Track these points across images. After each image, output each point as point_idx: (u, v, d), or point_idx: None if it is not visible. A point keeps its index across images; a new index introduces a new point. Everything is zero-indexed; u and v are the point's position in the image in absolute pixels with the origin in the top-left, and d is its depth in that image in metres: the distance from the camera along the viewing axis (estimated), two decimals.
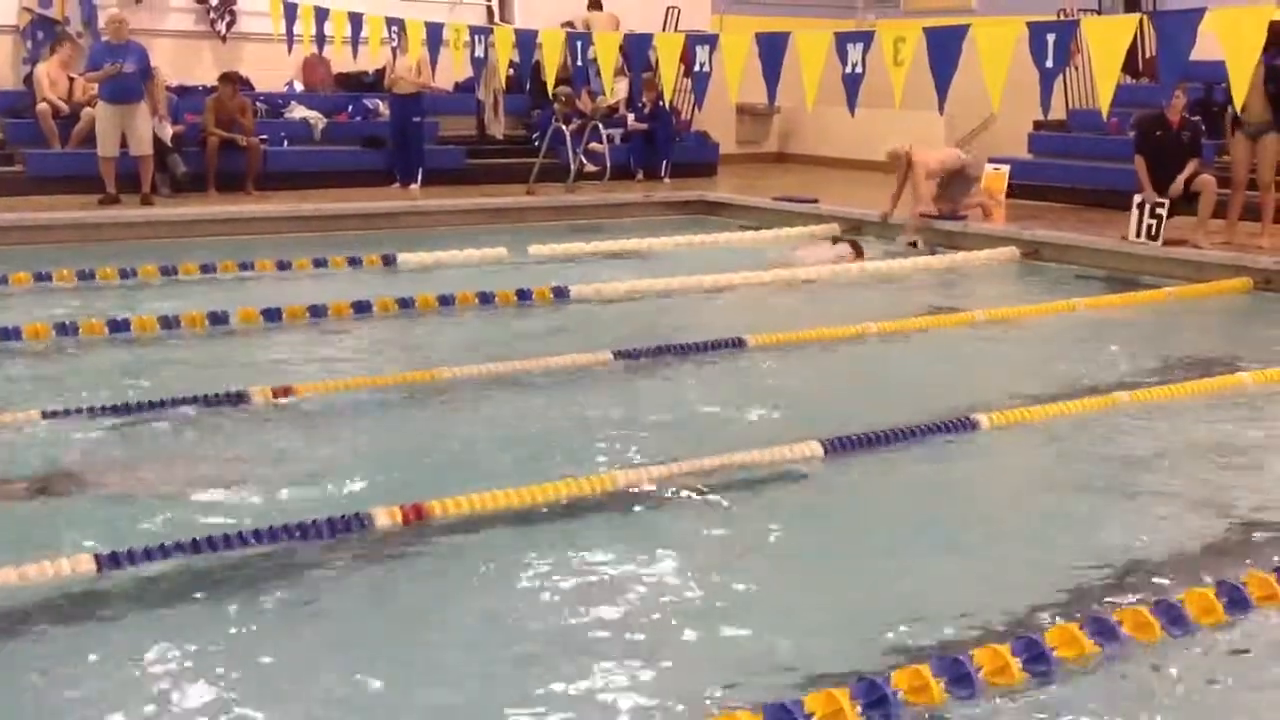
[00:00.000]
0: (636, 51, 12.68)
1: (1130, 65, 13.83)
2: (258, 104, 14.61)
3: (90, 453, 5.72)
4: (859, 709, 3.48)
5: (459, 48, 13.21)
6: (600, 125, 15.55)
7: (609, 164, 15.60)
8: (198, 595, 4.30)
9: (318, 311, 8.50)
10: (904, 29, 9.83)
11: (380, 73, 15.02)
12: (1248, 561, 4.69)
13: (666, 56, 11.68)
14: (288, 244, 11.34)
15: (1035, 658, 3.79)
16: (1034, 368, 7.89)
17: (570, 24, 15.96)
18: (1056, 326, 8.90)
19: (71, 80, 13.64)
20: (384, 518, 4.83)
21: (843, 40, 9.99)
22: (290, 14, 14.22)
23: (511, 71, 13.75)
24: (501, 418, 6.44)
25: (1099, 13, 14.67)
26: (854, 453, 5.85)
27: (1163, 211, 10.82)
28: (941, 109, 9.57)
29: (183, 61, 15.07)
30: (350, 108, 15.62)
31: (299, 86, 15.83)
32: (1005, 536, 5.13)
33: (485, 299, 8.99)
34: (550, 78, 12.66)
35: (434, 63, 13.62)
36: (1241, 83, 8.19)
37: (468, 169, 15.08)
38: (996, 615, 4.24)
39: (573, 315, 9.03)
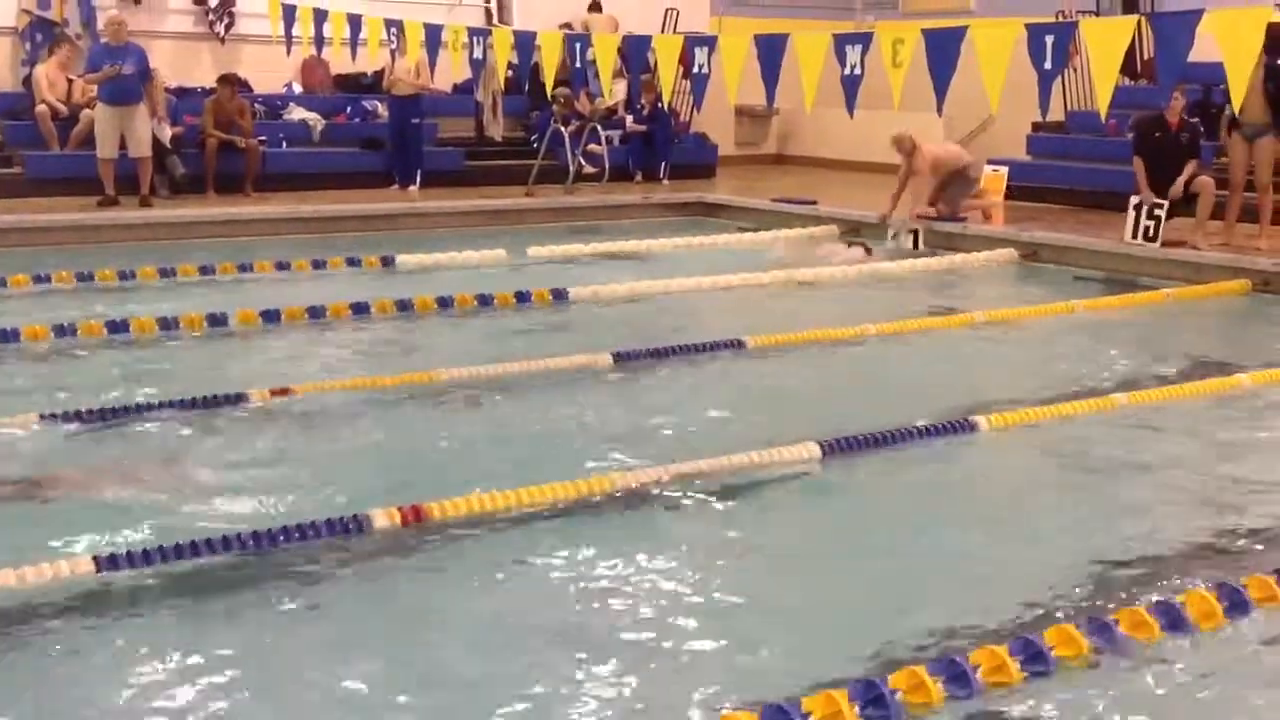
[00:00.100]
0: (635, 53, 12.70)
1: (1129, 67, 13.86)
2: (256, 106, 14.62)
3: (89, 454, 5.72)
4: (857, 709, 3.48)
5: (457, 49, 13.22)
6: (599, 127, 15.55)
7: (608, 165, 15.61)
8: (197, 597, 4.30)
9: (316, 313, 8.50)
10: (902, 30, 9.84)
11: (379, 74, 15.03)
12: (1247, 563, 4.69)
13: (665, 58, 11.69)
14: (286, 245, 11.34)
15: (1033, 658, 3.79)
16: (1033, 369, 7.89)
17: (569, 25, 15.98)
18: (1055, 328, 8.90)
19: (70, 82, 13.64)
20: (382, 519, 4.83)
21: (841, 42, 10.01)
22: (289, 16, 14.23)
23: (510, 73, 13.76)
24: (500, 419, 6.45)
25: (1097, 14, 14.69)
26: (852, 454, 5.85)
27: (1161, 213, 10.83)
28: (940, 110, 9.58)
29: (181, 63, 15.08)
30: (349, 109, 15.63)
31: (298, 88, 15.84)
32: (1003, 537, 5.13)
33: (484, 300, 8.99)
34: (549, 79, 12.67)
35: (433, 64, 13.63)
36: (1240, 84, 8.20)
37: (466, 170, 15.08)
38: (995, 616, 4.24)
39: (571, 317, 9.03)
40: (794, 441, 5.79)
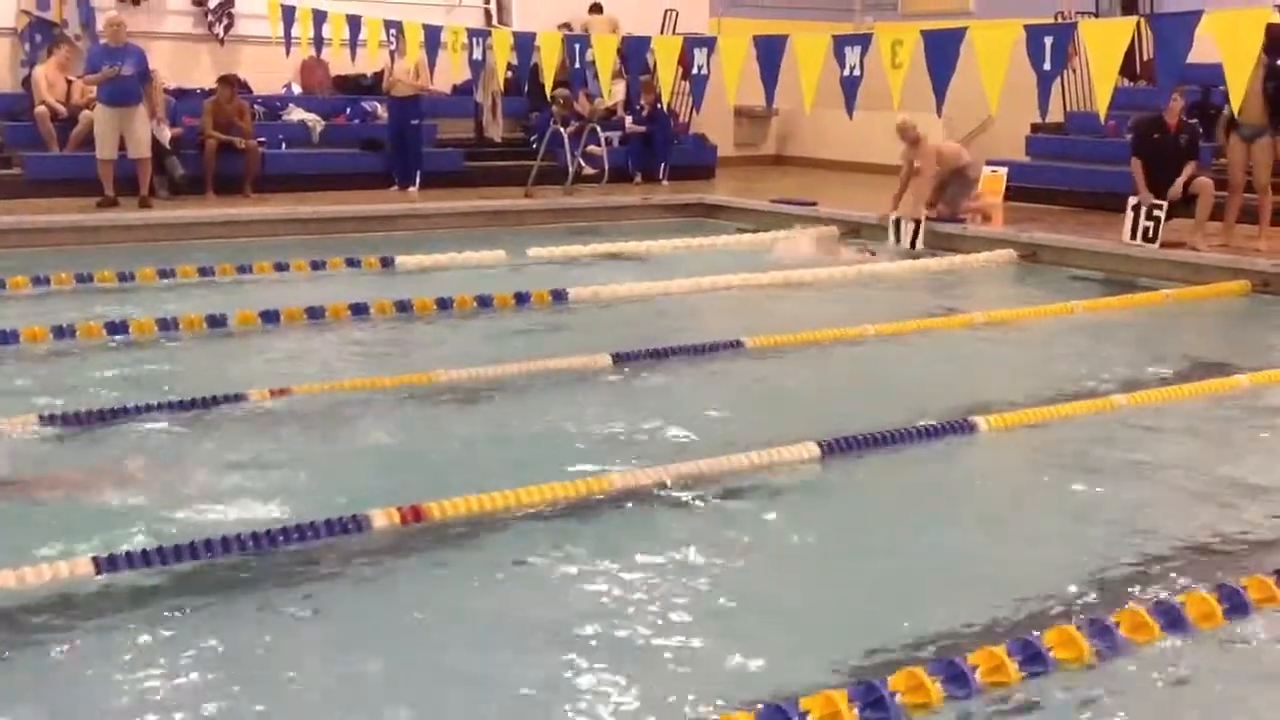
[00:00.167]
0: (634, 54, 12.70)
1: (1128, 68, 13.87)
2: (256, 107, 14.62)
3: (89, 455, 5.72)
4: (856, 710, 3.48)
5: (457, 50, 13.22)
6: (598, 128, 15.56)
7: (607, 166, 15.61)
8: (196, 597, 4.30)
9: (315, 314, 8.50)
10: (902, 32, 9.85)
11: (378, 75, 15.04)
12: (1247, 564, 4.70)
13: (664, 59, 11.70)
14: (286, 246, 11.34)
15: (1032, 658, 3.80)
16: (1032, 370, 7.90)
17: (567, 26, 15.99)
18: (1054, 329, 8.91)
19: (70, 83, 13.64)
20: (382, 519, 4.83)
21: (841, 43, 10.01)
22: (288, 17, 14.24)
23: (509, 74, 13.77)
24: (499, 420, 6.45)
25: (1096, 15, 14.69)
26: (852, 454, 5.85)
27: (1160, 214, 10.84)
28: (939, 111, 9.58)
29: (181, 64, 15.09)
30: (348, 110, 15.64)
31: (297, 89, 15.84)
32: (1002, 538, 5.14)
33: (483, 301, 9.00)
34: (548, 80, 12.67)
35: (432, 65, 13.64)
36: (1239, 85, 8.20)
37: (466, 171, 15.09)
38: (993, 616, 4.24)
39: (571, 317, 9.03)
40: (793, 442, 5.80)
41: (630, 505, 5.18)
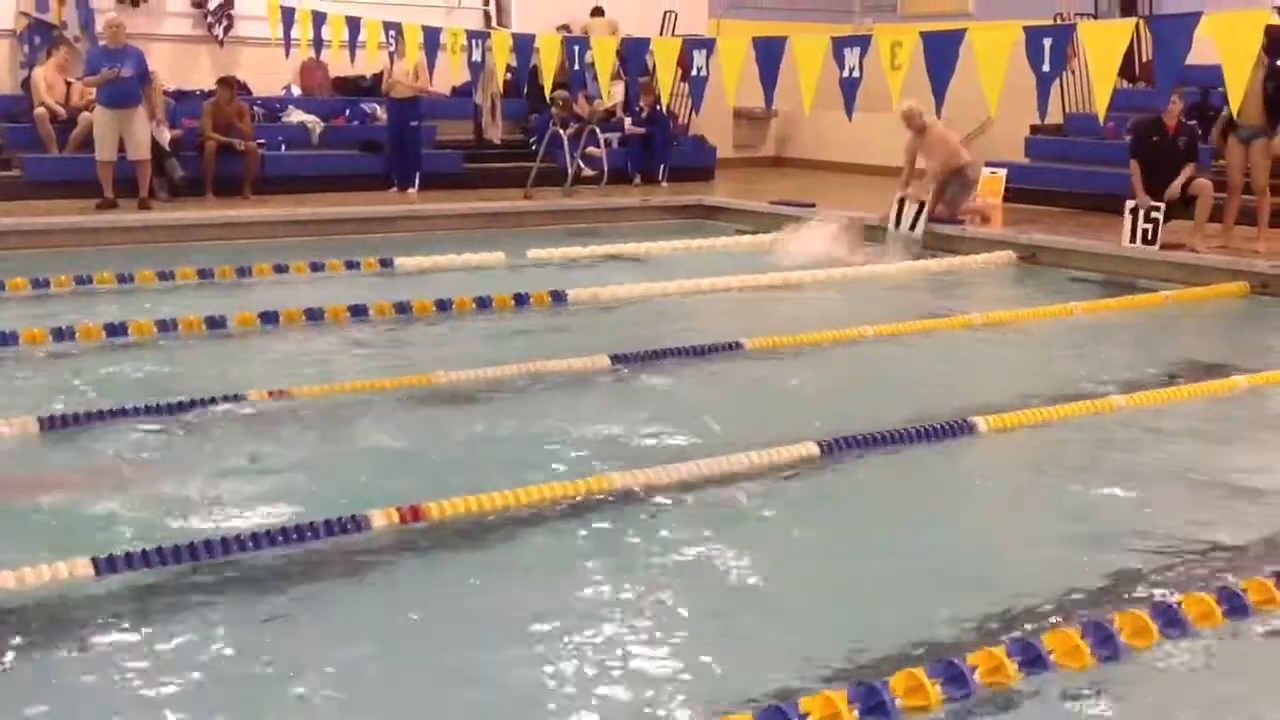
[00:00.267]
0: (633, 55, 12.70)
1: (1127, 69, 13.87)
2: (255, 108, 14.62)
3: (87, 457, 5.72)
4: (856, 712, 3.48)
5: (456, 52, 13.22)
6: (597, 129, 15.56)
7: (606, 168, 15.61)
8: (195, 598, 4.30)
9: (314, 315, 8.50)
10: (901, 33, 9.85)
11: (378, 77, 15.05)
12: (1246, 565, 4.70)
13: (664, 60, 11.70)
14: (285, 248, 11.34)
15: (1031, 659, 3.80)
16: (1031, 370, 7.90)
17: (566, 27, 16.00)
18: (1053, 330, 8.91)
19: (69, 84, 13.64)
20: (381, 519, 4.84)
21: (840, 44, 10.01)
22: (288, 18, 14.24)
23: (509, 76, 13.78)
24: (499, 421, 6.45)
25: (1095, 16, 14.70)
26: (851, 454, 5.86)
27: (1158, 215, 10.84)
28: (939, 113, 9.59)
29: (180, 66, 15.09)
30: (348, 112, 15.64)
31: (296, 91, 15.85)
32: (1002, 538, 5.14)
33: (483, 303, 9.00)
34: (548, 82, 12.67)
35: (431, 67, 13.64)
36: (1238, 86, 8.20)
37: (465, 173, 15.09)
38: (993, 617, 4.24)
39: (570, 319, 9.04)
40: (793, 442, 5.80)
41: (629, 506, 5.18)
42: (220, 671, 3.83)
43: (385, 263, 10.68)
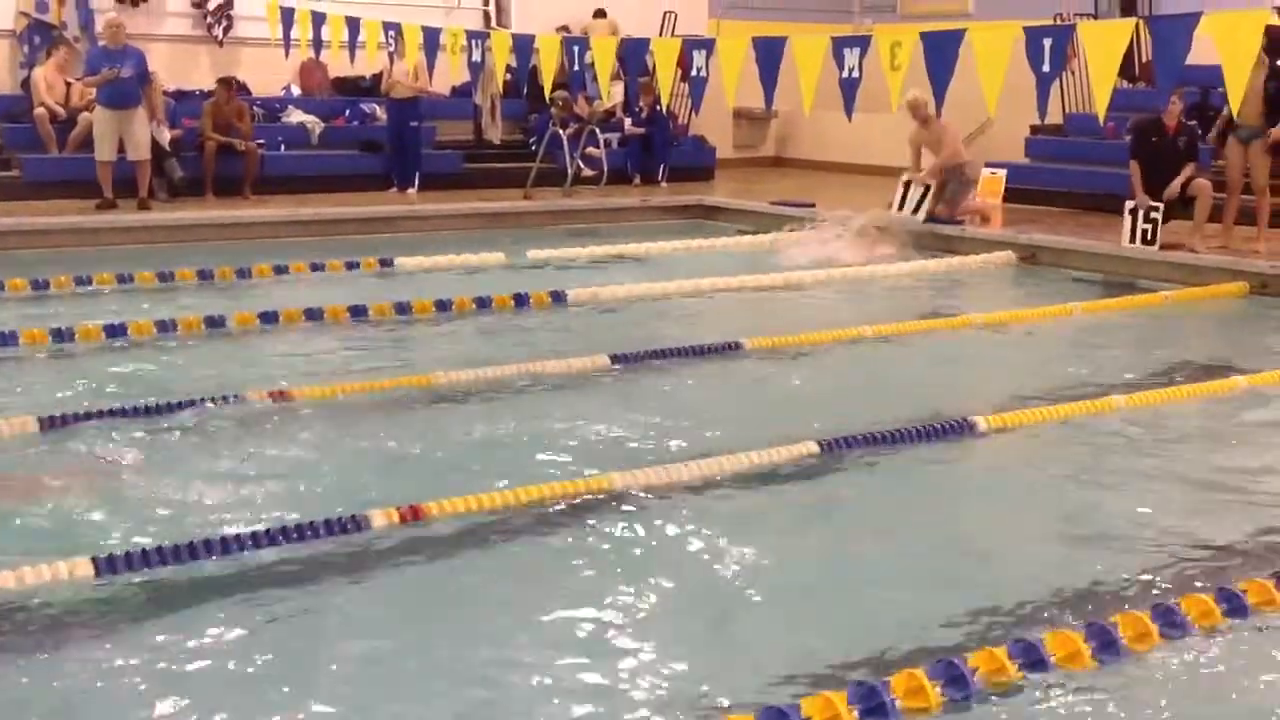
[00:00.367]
0: (633, 56, 12.70)
1: (1127, 69, 13.86)
2: (255, 108, 14.61)
3: (87, 457, 5.71)
4: (856, 713, 3.48)
5: (456, 52, 13.22)
6: (597, 130, 15.56)
7: (606, 168, 15.61)
8: (195, 598, 4.30)
9: (314, 315, 8.50)
10: (901, 34, 9.86)
11: (377, 77, 15.04)
12: (1246, 566, 4.70)
13: (663, 61, 11.70)
14: (285, 248, 11.33)
15: (1032, 660, 3.79)
16: (1031, 371, 7.90)
17: (566, 28, 15.99)
18: (1053, 330, 8.92)
19: (69, 85, 13.63)
20: (381, 519, 4.84)
21: (839, 45, 10.01)
22: (287, 18, 14.24)
23: (508, 76, 13.77)
24: (499, 421, 6.44)
25: (1095, 17, 14.70)
26: (851, 454, 5.86)
27: (1157, 215, 10.84)
28: (939, 113, 9.57)
29: (180, 66, 15.08)
30: (347, 112, 15.64)
31: (296, 91, 15.84)
32: (1002, 539, 5.14)
33: (482, 303, 9.00)
34: (547, 82, 12.67)
35: (431, 67, 13.64)
36: (1238, 87, 8.20)
37: (465, 173, 15.08)
38: (993, 617, 4.24)
39: (570, 319, 9.03)
40: (793, 441, 5.80)
41: (629, 506, 5.18)
42: (221, 671, 3.84)
43: (385, 263, 10.68)
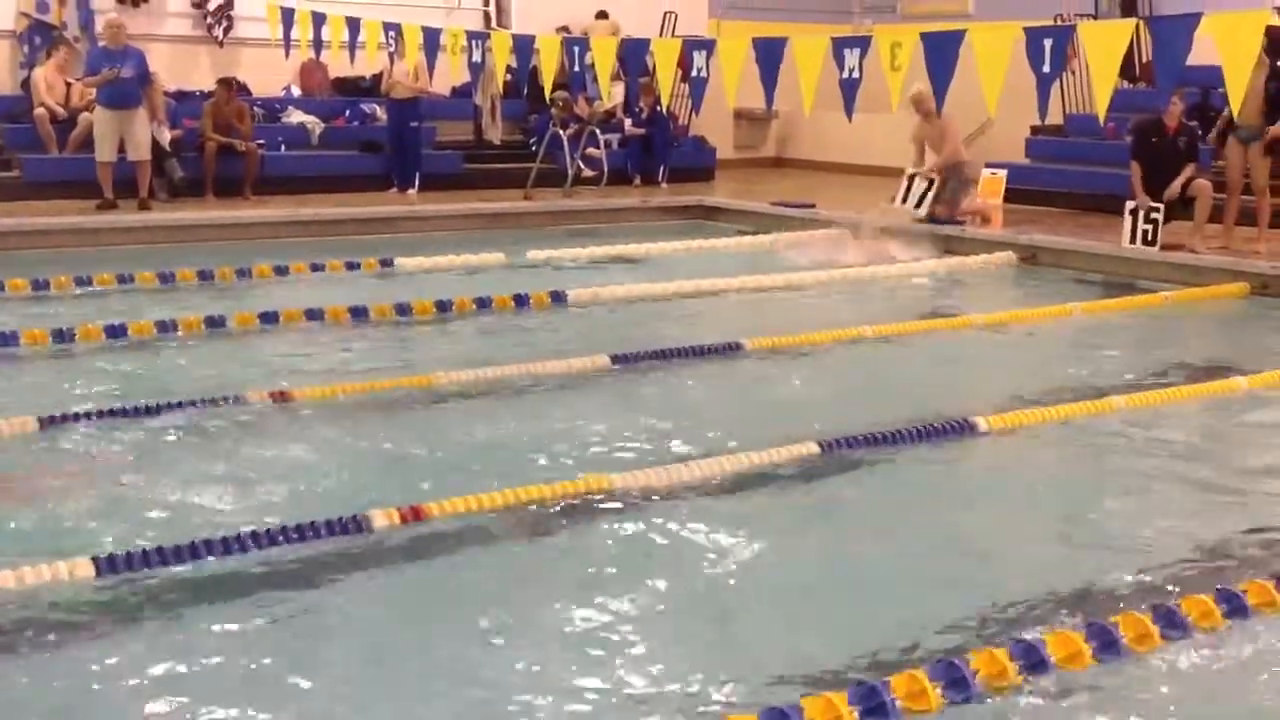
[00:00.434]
0: (633, 56, 12.69)
1: (1127, 70, 13.87)
2: (255, 109, 14.61)
3: (88, 458, 5.71)
4: (856, 714, 3.48)
5: (456, 53, 13.21)
6: (597, 130, 15.56)
7: (606, 169, 15.61)
8: (196, 598, 4.30)
9: (315, 316, 8.50)
10: (901, 34, 9.85)
11: (377, 78, 15.04)
12: (1247, 567, 4.70)
13: (664, 61, 11.69)
14: (285, 249, 11.33)
15: (1032, 661, 3.79)
16: (1031, 371, 7.90)
17: (566, 28, 15.99)
18: (1053, 330, 8.92)
19: (69, 85, 13.63)
20: (382, 519, 4.84)
21: (840, 45, 10.00)
22: (287, 19, 14.23)
23: (509, 76, 13.77)
24: (499, 422, 6.44)
25: (1095, 17, 14.70)
26: (852, 454, 5.86)
27: (1158, 216, 10.84)
28: (939, 114, 9.57)
29: (180, 66, 15.08)
30: (347, 112, 15.64)
31: (296, 91, 15.85)
32: (1003, 540, 5.14)
33: (483, 304, 9.00)
34: (548, 83, 12.67)
35: (431, 68, 13.63)
36: (1238, 87, 8.20)
37: (465, 174, 15.08)
38: (993, 618, 4.24)
39: (570, 320, 9.03)
40: (794, 442, 5.80)
41: (629, 506, 5.18)
42: (221, 671, 3.83)
43: (385, 263, 10.68)
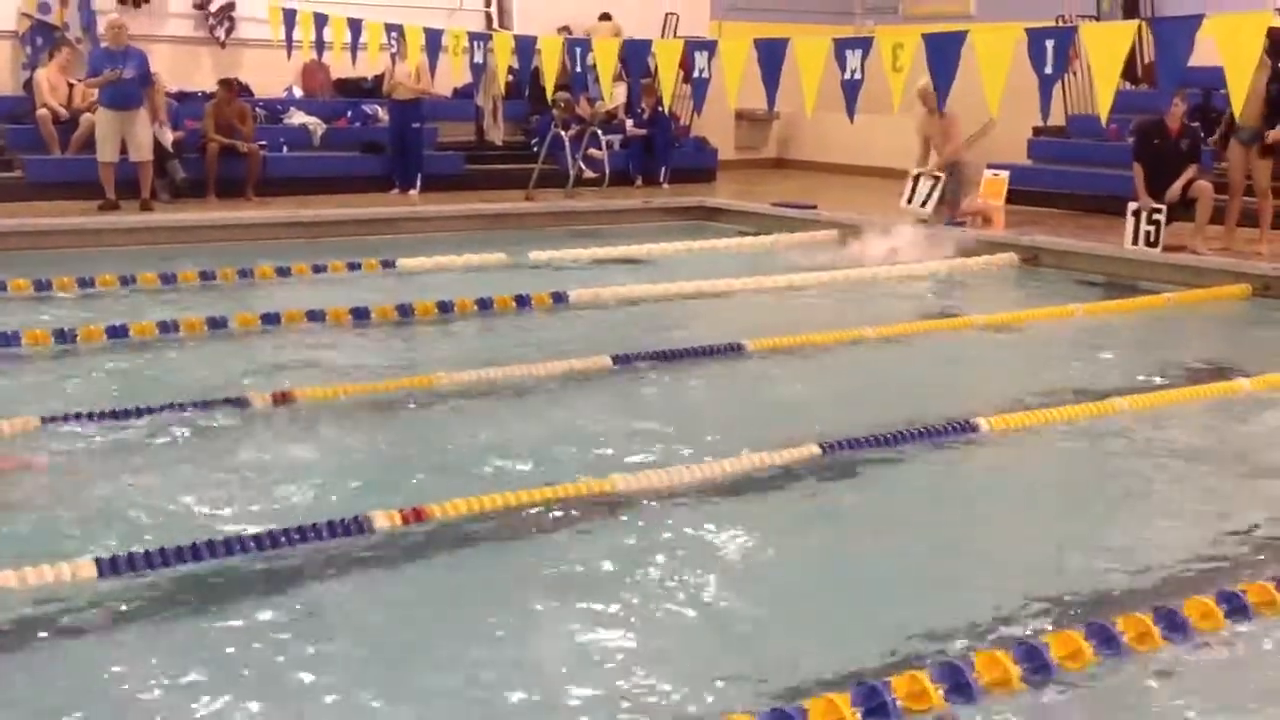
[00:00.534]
0: (635, 57, 12.70)
1: (1129, 71, 13.87)
2: (257, 110, 14.62)
3: (89, 458, 5.72)
4: (858, 715, 3.48)
5: (458, 54, 13.22)
6: (599, 131, 15.57)
7: (608, 170, 15.61)
8: (198, 599, 4.30)
9: (316, 317, 8.51)
10: (902, 35, 9.86)
11: (379, 78, 15.04)
12: (1248, 569, 4.70)
13: (665, 62, 11.69)
14: (287, 250, 11.33)
15: (1035, 664, 3.79)
16: (1033, 372, 7.90)
17: (567, 29, 15.99)
18: (1055, 332, 8.92)
19: (71, 86, 13.64)
20: (383, 520, 4.84)
21: (841, 46, 10.01)
22: (289, 20, 14.23)
23: (510, 77, 13.77)
24: (500, 422, 6.45)
25: (1098, 18, 14.70)
26: (853, 455, 5.86)
27: (1160, 217, 10.84)
28: (941, 114, 9.56)
29: (182, 67, 15.08)
30: (349, 113, 15.65)
31: (298, 92, 15.85)
32: (1004, 541, 5.14)
33: (484, 304, 9.00)
34: (549, 84, 12.67)
35: (433, 68, 13.63)
36: (1240, 89, 8.19)
37: (467, 175, 15.09)
38: (994, 620, 4.24)
39: (572, 320, 9.03)
40: (795, 443, 5.80)
41: (631, 507, 5.18)
42: (222, 672, 3.83)
43: (387, 264, 10.68)
